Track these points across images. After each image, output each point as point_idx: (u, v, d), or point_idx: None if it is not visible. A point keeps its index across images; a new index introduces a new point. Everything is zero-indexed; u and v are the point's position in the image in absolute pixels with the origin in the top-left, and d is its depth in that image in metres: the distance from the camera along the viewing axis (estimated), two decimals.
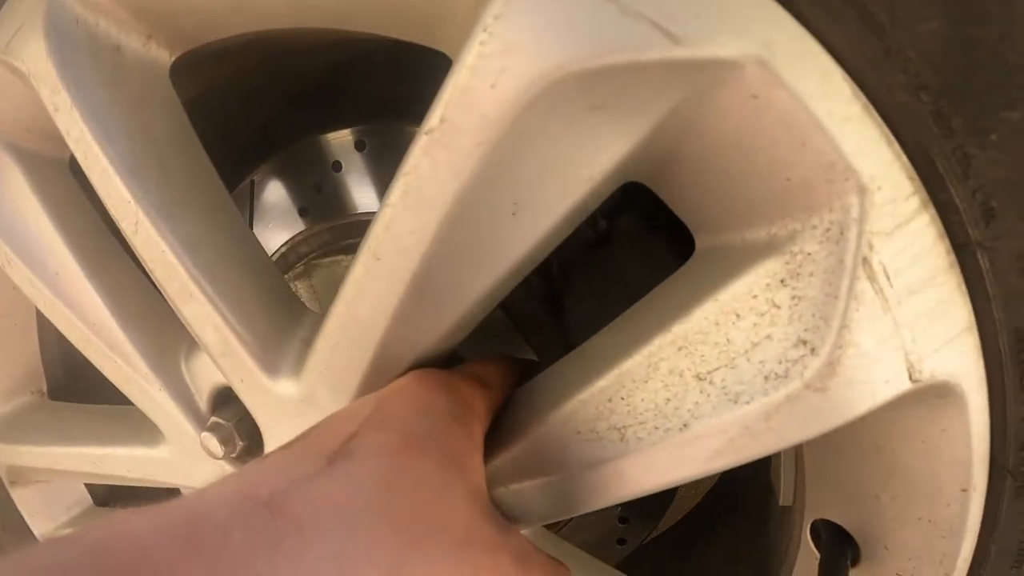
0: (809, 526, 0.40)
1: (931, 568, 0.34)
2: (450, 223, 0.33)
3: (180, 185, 0.45)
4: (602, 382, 0.35)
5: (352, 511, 0.28)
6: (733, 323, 0.32)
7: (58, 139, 0.51)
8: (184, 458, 0.52)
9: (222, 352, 0.45)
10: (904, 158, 0.28)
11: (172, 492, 0.61)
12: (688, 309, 0.33)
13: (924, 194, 0.28)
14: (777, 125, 0.28)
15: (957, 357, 0.30)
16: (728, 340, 0.32)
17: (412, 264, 0.34)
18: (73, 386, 0.69)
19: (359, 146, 0.55)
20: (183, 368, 0.50)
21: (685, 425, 0.33)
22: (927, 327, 0.29)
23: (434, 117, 0.31)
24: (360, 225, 0.56)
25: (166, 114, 0.46)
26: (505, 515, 0.40)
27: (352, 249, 0.56)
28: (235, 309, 0.44)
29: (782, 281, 0.31)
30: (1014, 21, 0.25)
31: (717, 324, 0.32)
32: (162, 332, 0.51)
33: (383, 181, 0.55)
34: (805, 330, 0.30)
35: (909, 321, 0.29)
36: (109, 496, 0.75)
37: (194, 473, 0.53)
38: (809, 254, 0.30)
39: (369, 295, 0.37)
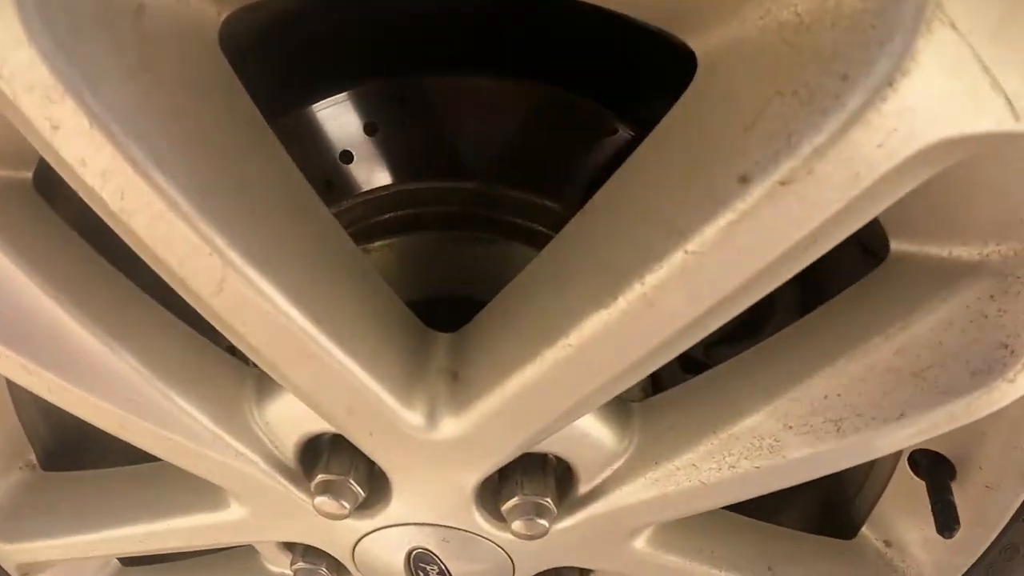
0: (907, 457, 0.49)
1: (1012, 479, 0.46)
2: (761, 272, 0.31)
3: (269, 209, 0.33)
4: (816, 380, 0.38)
5: None
6: (945, 329, 0.37)
7: (12, 155, 0.34)
8: (271, 515, 0.43)
9: (348, 411, 0.37)
10: None
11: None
12: (906, 317, 0.37)
13: None
14: None
15: None
16: (940, 343, 0.37)
17: (697, 311, 0.32)
18: (66, 449, 0.50)
19: (401, 103, 0.44)
20: (253, 422, 0.40)
21: (901, 415, 0.38)
22: None
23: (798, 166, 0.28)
24: (402, 195, 0.46)
25: (227, 103, 0.33)
26: None
27: (392, 225, 0.46)
28: (366, 363, 0.35)
29: (992, 297, 0.36)
30: None
31: (932, 330, 0.37)
32: (216, 384, 0.39)
33: (423, 144, 0.46)
34: (1007, 336, 0.37)
35: None
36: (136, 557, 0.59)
37: (287, 528, 0.44)
38: (1019, 278, 0.36)
39: (621, 338, 0.34)
